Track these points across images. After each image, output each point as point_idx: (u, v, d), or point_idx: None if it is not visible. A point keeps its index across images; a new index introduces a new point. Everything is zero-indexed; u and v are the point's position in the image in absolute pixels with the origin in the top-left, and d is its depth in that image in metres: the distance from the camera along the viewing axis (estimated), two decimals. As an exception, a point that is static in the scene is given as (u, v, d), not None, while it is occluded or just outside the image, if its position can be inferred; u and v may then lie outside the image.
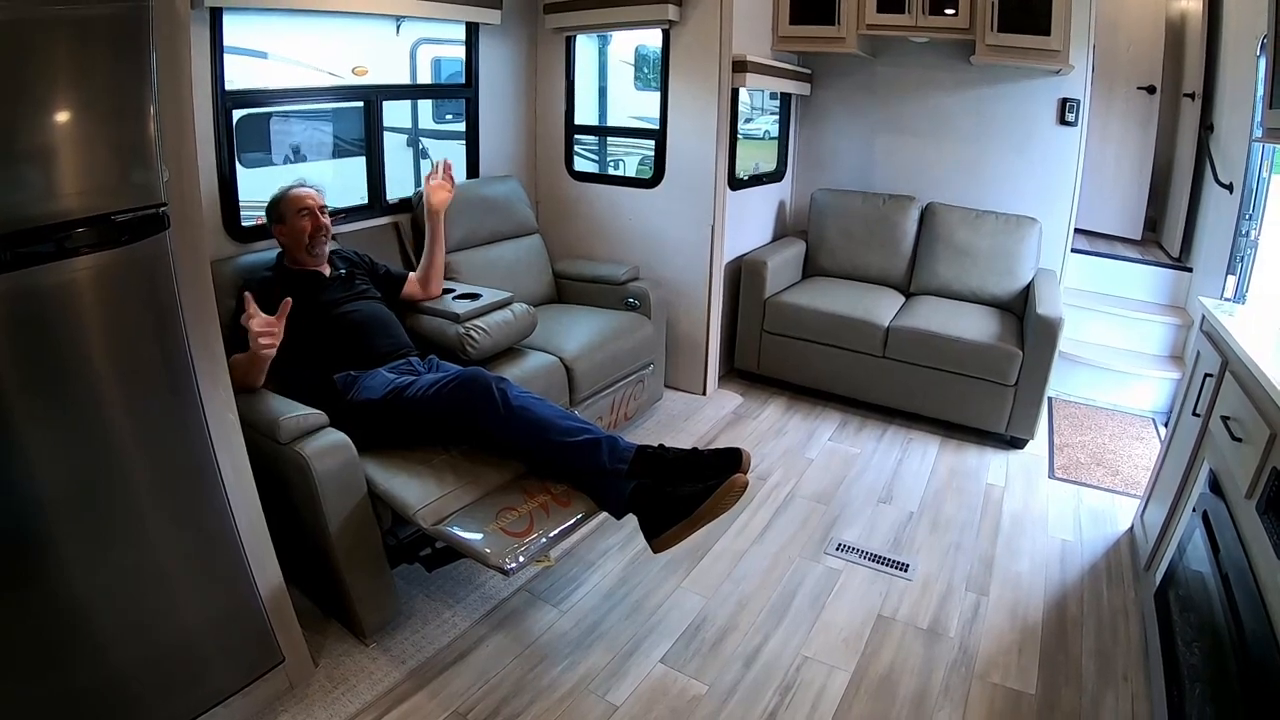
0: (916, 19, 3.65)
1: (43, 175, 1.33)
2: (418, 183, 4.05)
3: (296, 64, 3.26)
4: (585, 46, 3.95)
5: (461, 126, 3.65)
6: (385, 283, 2.72)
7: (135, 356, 1.52)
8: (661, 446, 2.10)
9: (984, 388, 3.38)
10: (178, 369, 1.57)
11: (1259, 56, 3.20)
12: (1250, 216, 3.42)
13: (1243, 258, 3.45)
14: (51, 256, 1.34)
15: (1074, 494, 3.08)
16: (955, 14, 3.57)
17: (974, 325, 3.47)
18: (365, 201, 3.15)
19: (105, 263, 1.41)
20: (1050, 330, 3.19)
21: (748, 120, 4.57)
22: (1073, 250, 4.02)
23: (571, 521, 2.02)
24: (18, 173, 1.30)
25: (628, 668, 2.08)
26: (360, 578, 2.06)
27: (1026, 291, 3.70)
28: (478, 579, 2.40)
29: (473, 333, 2.64)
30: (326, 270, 2.52)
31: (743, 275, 3.89)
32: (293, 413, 1.96)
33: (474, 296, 2.80)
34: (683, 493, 1.97)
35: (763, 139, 4.74)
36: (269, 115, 3.55)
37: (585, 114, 3.99)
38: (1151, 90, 4.68)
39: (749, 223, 4.13)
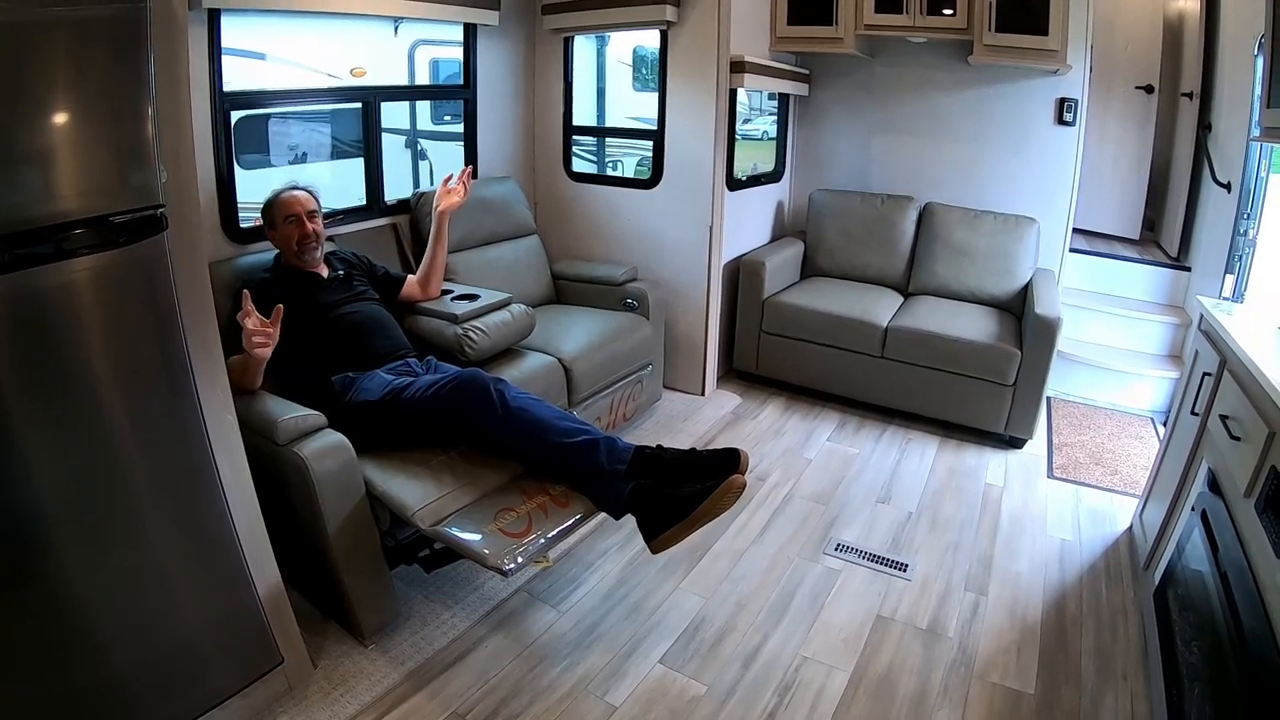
0: (914, 19, 3.65)
1: (41, 176, 1.33)
2: (416, 184, 4.07)
3: (295, 65, 3.26)
4: (583, 47, 3.95)
5: (460, 128, 3.65)
6: (384, 284, 2.72)
7: (134, 358, 1.52)
8: (660, 447, 2.10)
9: (983, 387, 3.38)
10: (176, 370, 1.57)
11: (1257, 56, 3.20)
12: (1248, 216, 3.42)
13: (1241, 257, 3.45)
14: (50, 258, 1.34)
15: (1073, 493, 3.08)
16: (953, 14, 3.57)
17: (972, 325, 3.47)
18: (364, 203, 3.15)
19: (104, 264, 1.41)
20: (1049, 330, 3.19)
21: (746, 121, 4.57)
22: (1071, 250, 4.02)
23: (570, 522, 2.02)
24: (16, 174, 1.30)
25: (627, 668, 2.08)
26: (359, 579, 2.06)
27: (1025, 291, 3.70)
28: (476, 580, 2.40)
29: (471, 334, 2.64)
30: (324, 272, 2.52)
31: (741, 276, 3.89)
32: (291, 414, 1.96)
33: (472, 297, 2.80)
34: (681, 493, 1.97)
35: (761, 139, 4.74)
36: (267, 116, 3.55)
37: (583, 115, 3.99)
38: (1149, 90, 4.68)
39: (747, 223, 4.13)
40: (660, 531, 1.97)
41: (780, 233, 4.52)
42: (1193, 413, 2.25)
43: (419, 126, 4.32)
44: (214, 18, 2.45)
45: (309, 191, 2.48)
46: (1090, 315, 4.04)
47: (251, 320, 2.02)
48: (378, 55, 3.34)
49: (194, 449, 1.63)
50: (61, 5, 1.30)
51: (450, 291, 2.87)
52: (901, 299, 3.92)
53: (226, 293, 2.30)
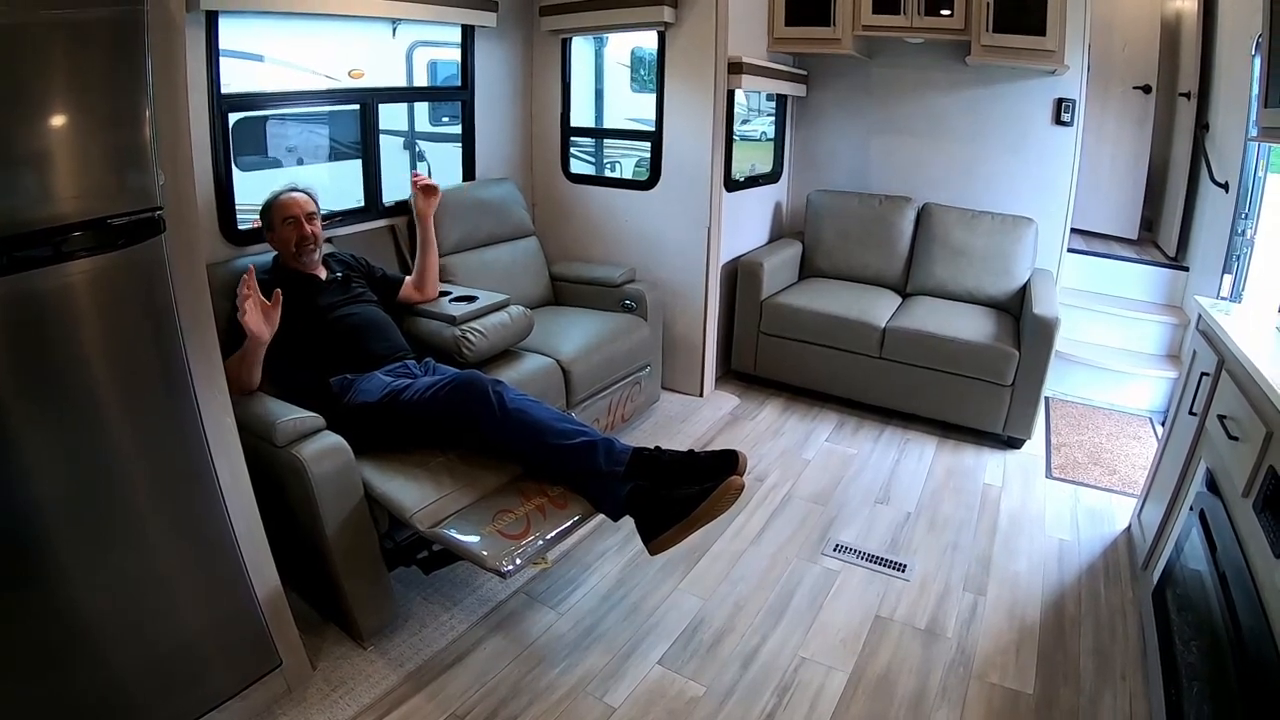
0: (912, 20, 3.65)
1: (39, 179, 1.33)
2: (414, 185, 4.06)
3: (293, 67, 3.25)
4: (581, 48, 3.95)
5: (458, 129, 3.65)
6: (381, 286, 2.72)
7: (132, 360, 1.52)
8: (658, 448, 2.10)
9: (981, 388, 3.38)
10: (174, 372, 1.57)
11: (1254, 55, 3.21)
12: (1246, 215, 3.43)
13: (1239, 256, 3.46)
14: (48, 260, 1.34)
15: (1071, 493, 3.08)
16: (950, 14, 3.58)
17: (971, 325, 3.48)
18: (362, 204, 3.15)
19: (101, 266, 1.41)
20: (1047, 330, 3.19)
21: (744, 122, 4.57)
22: (1069, 250, 4.03)
23: (568, 524, 2.02)
24: (14, 176, 1.30)
25: (625, 669, 2.08)
26: (358, 581, 2.06)
27: (1023, 291, 3.70)
28: (475, 581, 2.40)
29: (469, 335, 2.64)
30: (322, 274, 2.52)
31: (739, 277, 3.89)
32: (289, 416, 1.96)
33: (470, 299, 2.80)
34: (679, 495, 1.97)
35: (759, 140, 4.75)
36: (265, 118, 3.55)
37: (581, 116, 4.00)
38: (1147, 90, 4.69)
39: (745, 224, 4.13)
40: (659, 533, 1.97)
41: (778, 234, 4.52)
42: (1191, 413, 2.26)
43: (417, 128, 4.32)
44: (212, 19, 2.45)
45: (308, 193, 2.49)
46: (1088, 315, 4.04)
47: (253, 300, 2.04)
48: (376, 57, 3.34)
49: (192, 451, 1.63)
50: (59, 8, 1.30)
51: (448, 293, 2.87)
52: (899, 299, 3.92)
53: (225, 294, 2.30)
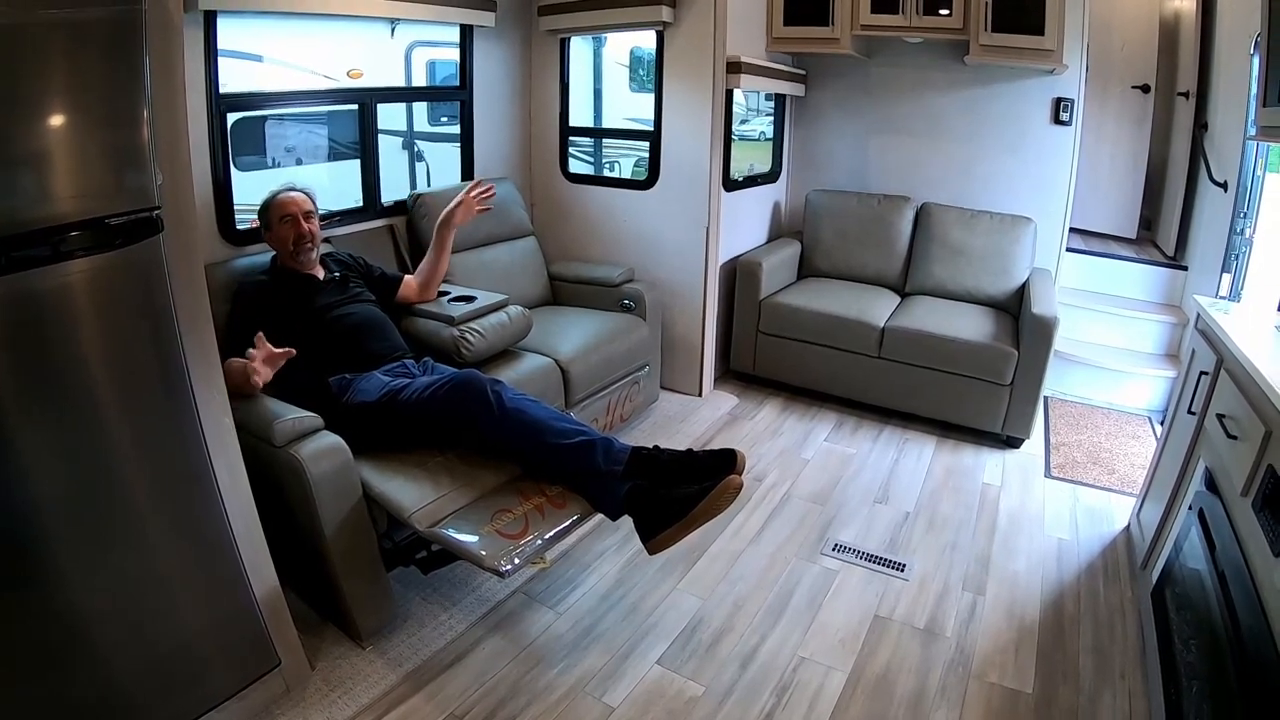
0: (910, 19, 3.65)
1: (37, 179, 1.33)
2: (413, 185, 4.06)
3: (291, 67, 3.25)
4: (580, 48, 3.95)
5: (456, 129, 3.65)
6: (380, 285, 2.71)
7: (130, 360, 1.51)
8: (657, 448, 2.10)
9: (980, 387, 3.38)
10: (172, 372, 1.57)
11: (1253, 55, 3.21)
12: (1245, 214, 3.43)
13: (1238, 256, 3.46)
14: (46, 260, 1.34)
15: (1070, 493, 3.08)
16: (949, 14, 3.57)
17: (969, 325, 3.48)
18: (360, 204, 3.15)
19: (99, 266, 1.41)
20: (1046, 329, 3.19)
21: (743, 121, 4.57)
22: (1068, 249, 4.03)
23: (567, 523, 2.02)
24: (12, 176, 1.29)
25: (624, 669, 2.08)
26: (356, 581, 2.06)
27: (1022, 291, 3.70)
28: (474, 581, 2.40)
29: (468, 335, 2.64)
30: (320, 274, 2.52)
31: (738, 276, 3.89)
32: (288, 416, 1.96)
33: (469, 299, 2.80)
34: (678, 494, 1.97)
35: (758, 140, 4.75)
36: (264, 118, 3.55)
37: (580, 116, 4.00)
38: (1146, 89, 4.69)
39: (744, 224, 4.13)
40: (657, 532, 1.97)
41: (777, 233, 4.52)
42: (1190, 412, 2.26)
43: (416, 128, 4.32)
44: (210, 19, 2.45)
45: (306, 193, 2.48)
46: (1087, 315, 4.04)
47: (262, 354, 2.05)
48: (374, 57, 3.34)
49: (191, 451, 1.63)
50: (57, 7, 1.29)
51: (447, 293, 2.87)
52: (898, 299, 3.92)
53: (223, 295, 2.30)
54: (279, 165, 3.67)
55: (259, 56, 3.17)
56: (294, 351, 2.10)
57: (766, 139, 4.61)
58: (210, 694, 1.76)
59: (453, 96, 3.62)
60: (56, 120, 1.33)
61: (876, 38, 3.85)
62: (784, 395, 3.93)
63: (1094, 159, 4.63)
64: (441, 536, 1.92)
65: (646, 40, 3.75)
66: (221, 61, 2.52)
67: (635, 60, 4.59)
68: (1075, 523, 2.87)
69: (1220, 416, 1.92)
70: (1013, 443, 3.45)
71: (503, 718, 1.91)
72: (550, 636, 2.19)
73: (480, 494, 2.07)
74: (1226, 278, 3.49)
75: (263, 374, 2.05)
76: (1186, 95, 4.32)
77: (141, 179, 1.45)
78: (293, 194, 2.45)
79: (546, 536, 1.96)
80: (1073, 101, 3.76)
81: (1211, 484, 1.89)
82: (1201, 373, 2.21)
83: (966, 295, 3.85)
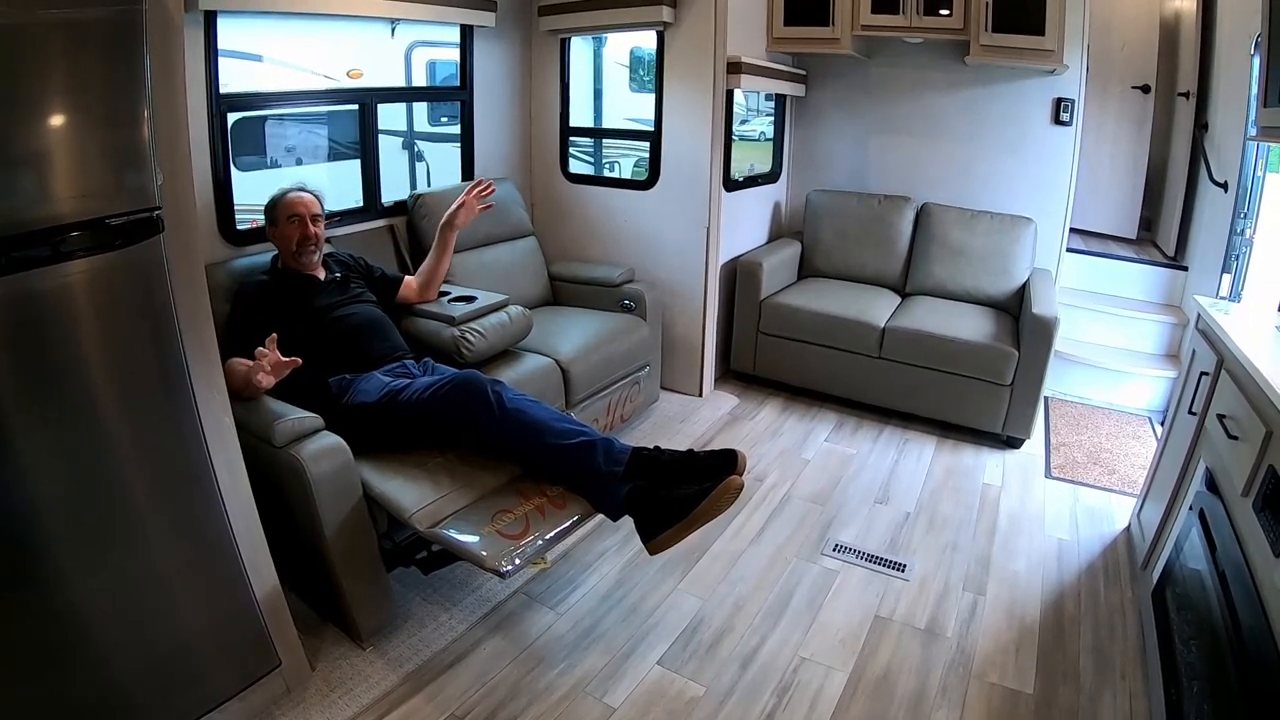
0: (911, 20, 3.65)
1: (37, 179, 1.33)
2: (413, 185, 4.06)
3: (291, 67, 3.25)
4: (580, 48, 3.95)
5: (456, 129, 3.65)
6: (380, 285, 2.71)
7: (130, 360, 1.51)
8: (657, 448, 2.10)
9: (980, 388, 3.38)
10: (173, 372, 1.57)
11: (1253, 55, 3.21)
12: (1245, 215, 3.43)
13: (1238, 256, 3.46)
14: (46, 260, 1.34)
15: (1071, 493, 3.08)
16: (949, 14, 3.57)
17: (970, 325, 3.48)
18: (360, 204, 3.15)
19: (100, 266, 1.41)
20: (1046, 330, 3.19)
21: (743, 122, 4.57)
22: (1068, 250, 4.03)
23: (567, 524, 2.02)
24: (12, 177, 1.29)
25: (625, 670, 2.08)
26: (356, 581, 2.05)
27: (1022, 291, 3.70)
28: (474, 582, 2.40)
29: (468, 335, 2.63)
30: (321, 274, 2.51)
31: (738, 276, 3.89)
32: (288, 416, 1.96)
33: (469, 299, 2.80)
34: (678, 495, 1.97)
35: (758, 140, 4.75)
36: (264, 118, 3.55)
37: (580, 116, 4.00)
38: (1146, 89, 4.69)
39: (744, 224, 4.13)
40: (658, 533, 1.96)
41: (777, 233, 4.52)
42: (1190, 412, 2.26)
43: (416, 128, 4.32)
44: (210, 19, 2.45)
45: (316, 195, 2.48)
46: (1087, 315, 4.04)
47: (271, 357, 2.03)
48: (374, 57, 3.34)
49: (191, 451, 1.63)
50: (57, 7, 1.29)
51: (447, 293, 2.86)
52: (899, 299, 3.92)
53: (223, 295, 2.29)
54: (279, 165, 3.68)
55: (259, 56, 3.18)
56: (300, 361, 2.08)
57: (767, 139, 4.61)
58: (210, 694, 1.76)
59: (453, 97, 3.63)
60: (56, 120, 1.33)
61: (877, 38, 3.85)
62: (784, 395, 3.93)
63: (1094, 159, 4.63)
64: (442, 537, 1.92)
65: (647, 40, 3.75)
66: (222, 61, 2.52)
67: (635, 60, 4.59)
68: (1075, 523, 2.87)
69: (1221, 417, 1.91)
70: (1013, 443, 3.45)
71: (503, 718, 1.91)
72: (551, 637, 2.19)
73: (481, 494, 2.07)
74: (1227, 278, 3.49)
75: (269, 378, 2.04)
76: (1187, 95, 4.32)
77: (141, 179, 1.44)
78: (303, 195, 2.44)
79: (547, 537, 1.96)
80: (1073, 102, 3.75)
81: (1212, 484, 1.89)
82: (1202, 373, 2.21)
83: (967, 295, 3.85)
